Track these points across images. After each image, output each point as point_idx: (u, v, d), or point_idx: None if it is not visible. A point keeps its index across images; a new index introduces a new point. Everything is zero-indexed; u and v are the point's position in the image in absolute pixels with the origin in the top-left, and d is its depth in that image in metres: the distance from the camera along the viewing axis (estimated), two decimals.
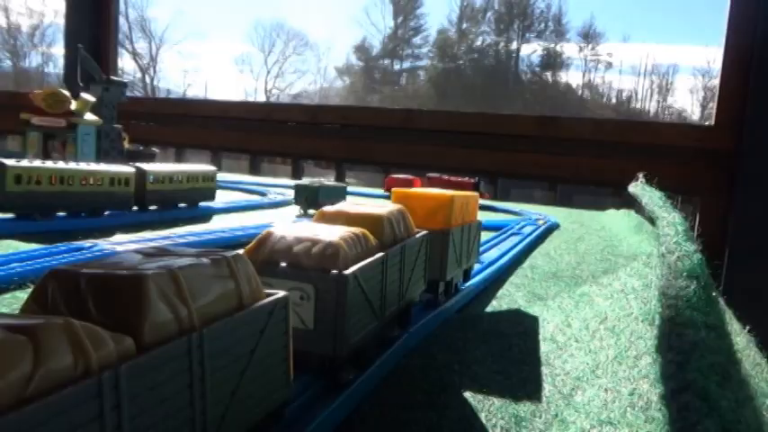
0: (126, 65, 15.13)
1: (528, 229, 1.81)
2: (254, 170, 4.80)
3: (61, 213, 1.42)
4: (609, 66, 15.54)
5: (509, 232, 1.73)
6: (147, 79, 16.16)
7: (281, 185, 2.91)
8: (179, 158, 5.09)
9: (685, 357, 0.42)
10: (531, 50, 15.49)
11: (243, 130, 4.96)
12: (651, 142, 3.51)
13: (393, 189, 0.82)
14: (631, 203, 3.09)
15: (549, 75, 15.60)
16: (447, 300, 0.83)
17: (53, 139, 2.36)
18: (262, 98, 16.10)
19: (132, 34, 15.57)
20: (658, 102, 15.68)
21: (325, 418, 0.46)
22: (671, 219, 0.77)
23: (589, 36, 15.34)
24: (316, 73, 21.91)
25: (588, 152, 3.66)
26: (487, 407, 0.53)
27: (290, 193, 2.34)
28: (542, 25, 15.44)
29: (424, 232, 0.71)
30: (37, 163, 1.38)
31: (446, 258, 0.77)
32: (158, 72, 16.48)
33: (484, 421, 0.51)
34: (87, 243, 1.08)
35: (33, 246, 1.06)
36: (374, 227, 0.59)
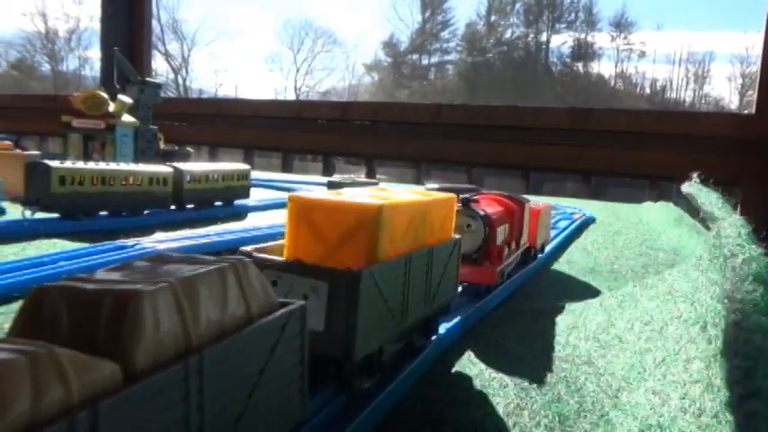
0: (159, 66, 15.44)
1: (563, 224, 1.79)
2: (286, 168, 4.84)
3: (103, 213, 1.46)
4: (642, 55, 15.18)
5: None
6: (180, 80, 16.47)
7: (312, 183, 2.93)
8: (212, 157, 5.17)
9: (753, 363, 0.40)
10: (562, 41, 15.24)
11: (274, 128, 5.01)
12: (688, 132, 3.42)
13: (290, 195, 0.52)
14: (668, 195, 3.02)
15: (580, 66, 15.33)
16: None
17: (93, 141, 2.42)
18: (291, 96, 16.23)
19: (164, 36, 15.88)
20: (694, 91, 15.26)
21: None
22: (732, 220, 0.75)
23: (621, 25, 15.01)
24: (344, 70, 21.99)
25: (623, 144, 3.58)
26: (531, 405, 0.53)
27: (322, 190, 2.35)
28: (573, 15, 15.16)
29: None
30: (79, 164, 1.42)
31: (361, 319, 0.45)
32: (190, 73, 16.77)
33: (527, 420, 0.50)
34: (130, 242, 1.10)
35: (78, 245, 1.09)
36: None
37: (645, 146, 3.50)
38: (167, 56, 16.18)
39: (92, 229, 1.33)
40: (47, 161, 1.34)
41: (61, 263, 0.90)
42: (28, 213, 1.31)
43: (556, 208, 2.29)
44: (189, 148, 3.17)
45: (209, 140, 5.30)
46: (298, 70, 16.66)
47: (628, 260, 1.34)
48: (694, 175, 1.05)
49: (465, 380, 0.58)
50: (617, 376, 0.59)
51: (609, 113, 3.94)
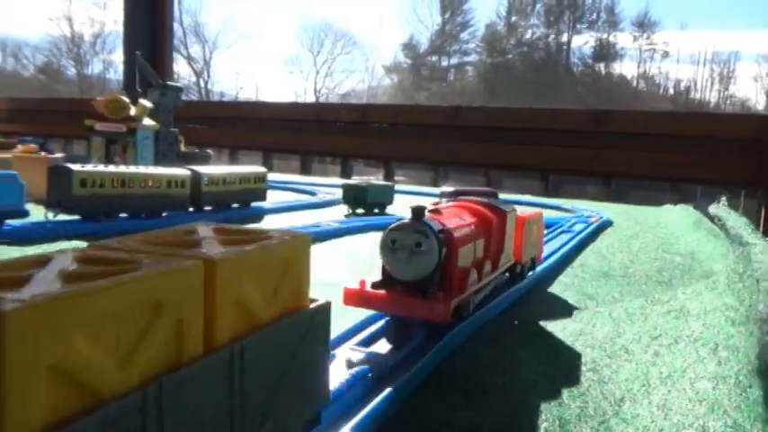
0: (181, 69, 15.68)
1: (579, 227, 1.78)
2: (305, 170, 4.88)
3: (123, 214, 1.49)
4: (665, 55, 14.98)
5: (559, 230, 1.70)
6: (201, 83, 16.69)
7: (330, 185, 2.95)
8: (232, 160, 5.23)
9: None
10: (583, 42, 15.11)
11: (293, 130, 5.06)
12: (711, 134, 3.37)
13: None
14: (690, 198, 2.97)
15: (601, 66, 15.17)
16: None
17: (114, 144, 2.47)
18: (311, 98, 16.34)
19: (186, 39, 16.11)
20: (719, 91, 15.00)
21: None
22: (765, 245, 0.74)
23: (644, 25, 14.82)
24: (364, 72, 22.07)
25: (643, 146, 3.54)
26: (531, 408, 0.53)
27: (339, 193, 2.37)
28: (594, 15, 15.02)
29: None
30: (100, 167, 1.46)
31: None
32: (212, 75, 16.98)
33: (528, 422, 0.51)
34: None
35: None
36: None
37: (665, 148, 3.46)
38: (189, 59, 16.42)
39: (112, 231, 1.36)
40: (68, 164, 1.38)
41: None
42: (50, 215, 1.35)
43: (573, 211, 2.28)
44: (209, 151, 3.22)
45: (230, 143, 5.37)
46: (317, 72, 16.77)
47: (643, 264, 1.33)
48: (723, 198, 1.04)
49: (465, 382, 0.58)
50: (621, 386, 0.59)
51: (627, 115, 3.89)
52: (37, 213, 1.35)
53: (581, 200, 2.97)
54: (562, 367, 0.64)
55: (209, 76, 16.80)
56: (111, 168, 1.48)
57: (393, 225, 0.65)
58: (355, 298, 0.65)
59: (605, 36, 14.89)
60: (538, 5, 15.12)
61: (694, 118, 3.90)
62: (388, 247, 0.64)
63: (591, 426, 0.51)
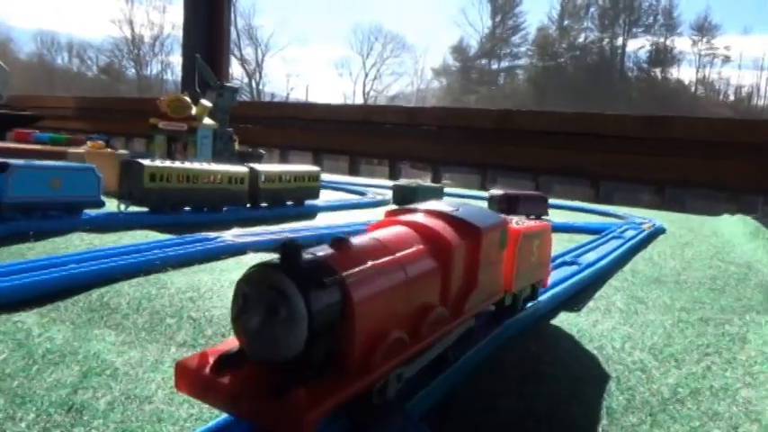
0: (234, 71, 16.13)
1: (630, 233, 1.76)
2: (353, 171, 4.95)
3: (186, 208, 1.58)
4: (726, 60, 14.41)
5: (609, 236, 1.69)
6: (254, 84, 17.09)
7: (379, 186, 3.00)
8: (283, 159, 5.36)
9: None
10: (639, 46, 14.71)
11: (342, 132, 5.15)
12: None
13: None
14: (751, 209, 2.87)
15: (657, 72, 14.71)
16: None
17: (176, 142, 2.60)
18: (359, 100, 16.50)
19: (240, 41, 16.54)
20: None
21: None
22: None
23: (704, 29, 14.30)
24: (413, 75, 22.14)
25: (700, 153, 3.44)
26: (579, 397, 0.56)
27: (389, 194, 2.42)
28: (651, 19, 14.60)
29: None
30: (167, 163, 1.55)
31: None
32: (263, 77, 17.37)
33: (576, 409, 0.54)
34: (212, 235, 1.20)
35: (166, 236, 1.20)
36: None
37: (724, 156, 3.35)
38: (242, 60, 16.86)
39: (176, 223, 1.45)
40: (140, 159, 1.47)
41: (155, 250, 1.00)
42: (122, 207, 1.45)
43: (624, 217, 2.25)
44: (262, 150, 3.33)
45: (280, 143, 5.50)
46: (366, 75, 16.93)
47: (695, 272, 1.32)
48: None
49: (515, 371, 0.61)
50: (670, 388, 0.61)
51: (684, 121, 3.79)
52: (110, 205, 1.44)
53: (634, 207, 2.92)
54: (610, 363, 0.66)
55: (260, 77, 17.21)
56: (178, 164, 1.56)
57: (247, 271, 0.41)
58: (188, 382, 0.41)
59: (662, 40, 14.45)
60: (592, 9, 14.81)
61: (756, 125, 3.76)
62: (238, 307, 0.41)
63: (638, 417, 0.53)
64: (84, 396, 0.53)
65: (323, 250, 0.45)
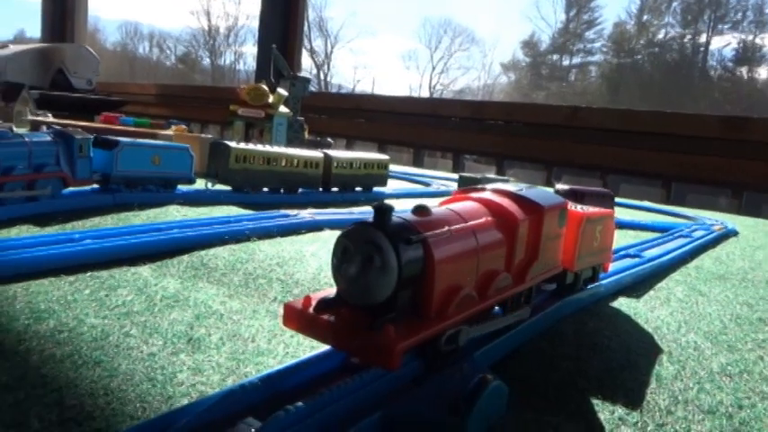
0: (303, 62, 16.51)
1: (699, 233, 1.74)
2: (417, 162, 5.02)
3: (265, 189, 1.70)
4: None
5: (676, 234, 1.69)
6: (321, 75, 17.44)
7: (443, 177, 3.06)
8: (348, 149, 5.50)
9: None
10: (724, 43, 13.96)
11: (408, 124, 5.21)
12: None
13: None
14: None
15: (743, 71, 13.90)
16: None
17: (253, 128, 2.75)
18: (425, 94, 16.51)
19: (311, 33, 16.91)
20: None
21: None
22: None
23: None
24: (480, 69, 21.93)
25: None
26: (632, 365, 0.61)
27: (453, 186, 2.47)
28: (739, 15, 13.79)
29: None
30: (251, 146, 1.67)
31: None
32: (331, 68, 17.69)
33: (628, 374, 0.59)
34: (292, 212, 1.31)
35: (250, 211, 1.32)
36: None
37: None
38: (312, 52, 17.23)
39: (256, 202, 1.57)
40: (227, 142, 1.60)
41: (245, 222, 1.12)
42: (209, 185, 1.58)
43: (695, 219, 2.21)
44: (329, 140, 3.46)
45: (346, 133, 5.63)
46: (434, 68, 16.91)
47: (765, 272, 1.31)
48: None
49: (574, 340, 0.67)
50: (720, 365, 0.65)
51: (766, 122, 3.61)
52: (198, 183, 1.58)
53: (706, 210, 2.84)
54: (664, 341, 0.70)
55: (329, 68, 17.53)
56: (260, 147, 1.69)
57: (345, 228, 0.49)
58: (295, 320, 0.49)
59: (750, 37, 13.64)
60: (674, 4, 14.17)
61: None
62: (337, 258, 0.48)
63: (686, 384, 0.58)
64: (199, 332, 0.63)
65: (408, 215, 0.52)
